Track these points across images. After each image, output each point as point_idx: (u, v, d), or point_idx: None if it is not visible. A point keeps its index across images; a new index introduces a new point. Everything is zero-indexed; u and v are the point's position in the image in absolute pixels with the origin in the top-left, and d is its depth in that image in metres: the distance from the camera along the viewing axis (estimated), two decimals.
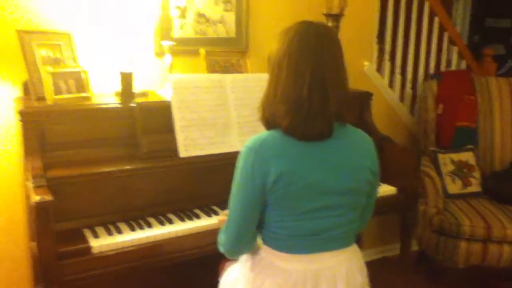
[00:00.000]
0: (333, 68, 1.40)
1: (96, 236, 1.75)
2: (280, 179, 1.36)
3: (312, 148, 1.41)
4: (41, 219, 1.54)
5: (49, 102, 1.90)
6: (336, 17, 2.60)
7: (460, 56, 3.66)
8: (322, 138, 1.42)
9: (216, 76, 2.17)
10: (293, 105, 1.39)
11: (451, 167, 3.06)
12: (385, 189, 2.35)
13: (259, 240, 1.55)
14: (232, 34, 2.64)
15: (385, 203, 2.25)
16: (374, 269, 1.75)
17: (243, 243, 1.51)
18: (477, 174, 3.08)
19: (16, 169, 2.15)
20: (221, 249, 1.54)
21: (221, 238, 1.53)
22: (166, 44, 2.29)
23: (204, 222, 1.91)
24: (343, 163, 1.44)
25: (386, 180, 2.35)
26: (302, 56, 1.38)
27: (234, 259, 1.70)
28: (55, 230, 1.61)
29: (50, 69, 1.91)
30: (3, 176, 2.15)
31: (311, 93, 1.37)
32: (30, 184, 1.67)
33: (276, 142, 1.41)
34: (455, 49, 3.64)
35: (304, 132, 1.39)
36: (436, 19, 3.47)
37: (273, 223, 1.45)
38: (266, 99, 1.47)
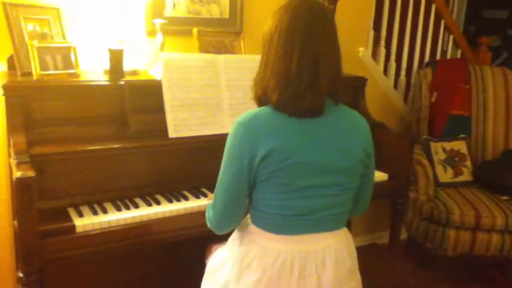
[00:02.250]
0: (326, 44, 1.38)
1: (80, 215, 1.72)
2: (270, 156, 1.34)
3: (303, 125, 1.39)
4: (23, 195, 1.51)
5: (35, 77, 1.85)
6: (333, 1, 2.56)
7: (456, 45, 3.64)
8: (313, 114, 1.39)
9: (208, 56, 2.13)
10: (282, 80, 1.37)
11: (443, 156, 3.05)
12: (377, 175, 2.32)
13: (248, 220, 1.53)
14: (226, 14, 2.60)
15: (376, 189, 2.22)
16: (364, 254, 1.74)
17: (230, 219, 1.49)
18: (468, 163, 3.08)
19: (0, 146, 2.10)
20: (208, 224, 1.53)
21: (209, 214, 1.52)
22: (159, 22, 2.24)
23: (192, 204, 1.89)
24: (335, 142, 1.41)
25: (377, 166, 2.32)
26: (292, 30, 1.37)
27: (222, 241, 1.68)
28: (39, 208, 1.57)
29: (36, 43, 1.86)
30: None
31: (302, 67, 1.36)
32: (12, 161, 1.63)
33: (267, 118, 1.38)
34: (451, 38, 3.61)
35: (294, 107, 1.37)
36: (433, 6, 3.44)
37: (262, 202, 1.43)
38: (258, 76, 1.46)
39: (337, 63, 1.43)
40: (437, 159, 3.04)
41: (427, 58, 3.55)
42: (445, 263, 3.00)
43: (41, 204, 1.64)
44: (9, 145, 1.81)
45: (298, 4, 1.40)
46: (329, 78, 1.38)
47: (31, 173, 1.53)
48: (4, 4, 1.91)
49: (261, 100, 1.45)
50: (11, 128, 1.72)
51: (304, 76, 1.35)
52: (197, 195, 1.96)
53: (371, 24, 3.21)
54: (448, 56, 3.68)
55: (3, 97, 1.77)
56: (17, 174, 1.52)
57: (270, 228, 1.44)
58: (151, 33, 2.35)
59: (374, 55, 3.30)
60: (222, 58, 2.13)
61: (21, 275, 1.59)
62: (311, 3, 1.41)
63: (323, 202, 1.42)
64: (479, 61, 3.55)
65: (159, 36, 2.24)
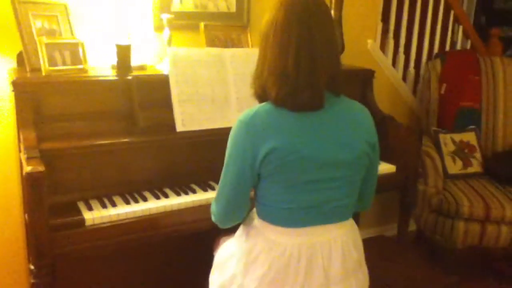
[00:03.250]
0: (322, 38, 1.37)
1: (90, 209, 1.74)
2: (273, 153, 1.35)
3: (305, 119, 1.39)
4: (33, 190, 1.53)
5: (43, 73, 1.87)
6: None
7: (466, 36, 3.60)
8: (313, 108, 1.39)
9: (215, 51, 2.14)
10: (280, 76, 1.37)
11: (452, 147, 3.03)
12: (385, 167, 2.33)
13: (254, 214, 1.54)
14: (233, 9, 2.60)
15: (384, 181, 2.23)
16: (371, 247, 1.74)
17: (234, 214, 1.51)
18: (478, 154, 3.06)
19: (11, 141, 2.13)
20: (213, 218, 1.54)
21: (213, 208, 1.53)
22: (166, 17, 2.24)
23: (200, 197, 1.90)
24: (337, 135, 1.41)
25: (386, 159, 2.33)
26: (287, 25, 1.37)
27: (230, 234, 1.70)
28: (49, 203, 1.60)
29: (45, 39, 1.88)
30: None
31: (298, 63, 1.35)
32: (23, 156, 1.66)
33: (268, 115, 1.38)
34: (460, 29, 3.58)
35: (294, 102, 1.37)
36: None
37: (267, 196, 1.43)
38: (255, 73, 1.47)
39: (335, 57, 1.43)
40: (446, 151, 3.02)
41: (436, 49, 3.52)
42: (454, 255, 2.99)
43: (51, 198, 1.67)
44: (19, 140, 1.84)
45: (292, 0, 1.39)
46: (327, 72, 1.38)
47: (41, 168, 1.55)
48: (13, 2, 1.93)
49: (260, 97, 1.46)
50: (21, 123, 1.75)
51: (301, 72, 1.35)
52: (205, 188, 1.98)
53: (380, 16, 3.19)
54: (458, 47, 3.64)
55: (13, 93, 1.79)
56: (27, 169, 1.54)
57: (276, 221, 1.45)
58: (158, 28, 2.36)
59: (383, 47, 3.28)
60: (228, 52, 2.14)
61: (32, 267, 1.62)
62: None
63: (328, 195, 1.43)
64: (490, 52, 3.51)
65: (166, 31, 2.24)
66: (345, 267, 1.47)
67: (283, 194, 1.40)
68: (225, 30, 2.44)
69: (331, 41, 1.41)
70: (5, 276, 2.27)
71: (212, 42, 2.36)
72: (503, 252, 3.02)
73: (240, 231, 1.60)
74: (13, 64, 2.07)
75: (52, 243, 1.60)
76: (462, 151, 3.04)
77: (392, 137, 2.42)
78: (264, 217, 1.48)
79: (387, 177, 2.31)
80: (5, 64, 2.08)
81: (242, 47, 2.44)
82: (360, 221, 2.90)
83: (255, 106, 1.43)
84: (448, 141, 3.04)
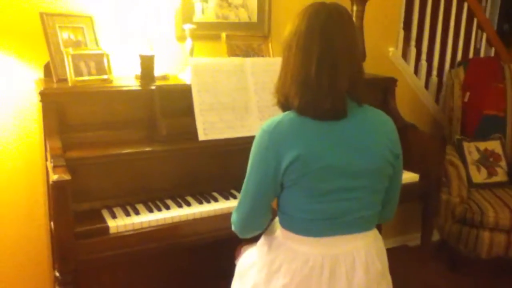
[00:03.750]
0: (344, 47, 1.38)
1: (114, 216, 1.76)
2: (296, 162, 1.35)
3: (328, 128, 1.39)
4: (59, 198, 1.56)
5: (70, 84, 1.91)
6: (362, 1, 2.55)
7: (489, 43, 3.56)
8: (336, 116, 1.39)
9: (236, 60, 2.16)
10: (302, 84, 1.38)
11: (476, 156, 2.99)
12: (407, 176, 2.30)
13: (277, 224, 1.54)
14: (254, 18, 2.62)
15: (407, 190, 2.21)
16: (394, 257, 1.72)
17: (254, 224, 1.51)
18: (503, 163, 3.00)
19: (37, 150, 2.18)
20: (233, 227, 1.54)
21: (233, 217, 1.53)
22: (188, 28, 2.28)
23: (222, 205, 1.91)
24: (361, 144, 1.41)
25: (409, 168, 2.31)
26: (310, 34, 1.38)
27: (252, 243, 1.70)
28: (74, 210, 1.63)
29: (71, 51, 1.92)
30: (26, 157, 2.19)
31: (320, 70, 1.36)
32: (49, 164, 1.69)
33: (291, 123, 1.39)
34: (484, 36, 3.53)
35: (316, 110, 1.38)
36: (465, 4, 3.37)
37: (290, 206, 1.43)
38: (278, 82, 1.47)
39: (357, 65, 1.43)
40: (470, 159, 2.97)
41: (459, 57, 3.48)
42: (478, 266, 2.93)
43: (75, 206, 1.70)
44: (45, 149, 1.88)
45: (315, 8, 1.41)
46: (349, 80, 1.39)
47: (66, 177, 1.58)
48: (41, 14, 1.99)
49: (283, 106, 1.46)
50: (48, 133, 1.79)
51: (323, 80, 1.36)
52: (227, 196, 1.98)
53: (401, 24, 3.18)
54: (482, 54, 3.59)
55: (40, 103, 1.84)
56: (54, 177, 1.57)
57: (299, 230, 1.44)
58: (181, 38, 2.40)
59: (405, 55, 3.26)
60: (249, 61, 2.15)
61: (57, 274, 1.64)
62: (328, 7, 1.41)
63: (351, 204, 1.42)
64: None
65: (189, 41, 2.27)
66: (368, 277, 1.45)
67: (306, 203, 1.40)
68: (246, 39, 2.46)
69: (353, 49, 1.42)
70: (30, 283, 2.31)
71: (233, 51, 2.38)
72: None
73: (262, 241, 1.60)
74: (40, 74, 2.12)
75: (77, 250, 1.62)
76: (487, 160, 2.99)
77: (415, 145, 2.40)
78: (287, 226, 1.47)
79: (410, 186, 2.29)
80: (33, 75, 2.13)
81: (263, 56, 2.45)
82: (383, 230, 2.87)
83: (279, 115, 1.43)
84: (472, 149, 3.00)
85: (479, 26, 3.49)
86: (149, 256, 1.86)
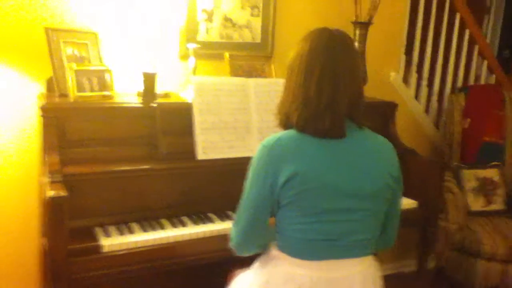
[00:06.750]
0: (345, 69, 1.41)
1: (107, 235, 1.75)
2: (293, 178, 1.35)
3: (328, 147, 1.40)
4: (55, 214, 1.55)
5: (71, 99, 1.92)
6: (365, 26, 2.57)
7: (490, 70, 3.58)
8: (334, 135, 1.41)
9: (239, 80, 2.17)
10: (302, 100, 1.41)
11: (474, 184, 2.98)
12: (406, 202, 2.29)
13: (273, 246, 1.53)
14: (258, 39, 2.64)
15: (405, 216, 2.19)
16: (390, 284, 1.70)
17: (252, 241, 1.49)
18: (501, 191, 3.00)
19: (33, 164, 2.18)
20: (230, 243, 1.52)
21: (232, 232, 1.52)
22: (192, 47, 2.29)
23: (217, 227, 1.90)
24: (360, 165, 1.42)
25: (407, 193, 2.29)
26: (312, 56, 1.41)
27: (243, 268, 1.68)
28: (67, 227, 1.61)
29: (74, 66, 1.93)
30: (21, 171, 2.18)
31: (321, 90, 1.39)
32: (46, 179, 1.69)
33: (290, 141, 1.40)
34: (485, 63, 3.56)
35: (315, 127, 1.40)
36: (467, 31, 3.40)
37: (287, 226, 1.43)
38: (280, 103, 1.50)
39: (357, 87, 1.45)
40: (468, 186, 2.97)
41: (459, 83, 3.50)
42: None
43: (69, 223, 1.66)
44: (43, 163, 1.87)
45: (319, 32, 1.45)
46: (349, 101, 1.41)
47: (63, 193, 1.57)
48: (46, 29, 2.00)
49: (285, 124, 1.48)
50: (47, 148, 1.78)
51: (323, 97, 1.39)
52: (223, 218, 1.97)
53: (403, 49, 3.20)
54: (482, 81, 3.61)
55: (41, 118, 1.84)
56: (50, 193, 1.56)
57: (296, 253, 1.44)
58: (184, 56, 2.41)
59: (406, 79, 3.27)
60: (252, 81, 2.16)
61: None
62: (331, 32, 1.45)
63: (348, 227, 1.41)
64: None
65: (192, 60, 2.29)
66: None
67: (302, 223, 1.40)
68: (249, 60, 2.47)
69: (354, 71, 1.44)
70: None
71: (236, 71, 2.39)
72: None
73: (257, 263, 1.59)
74: (43, 89, 2.12)
75: (69, 268, 1.60)
76: (485, 188, 2.99)
77: (413, 171, 2.39)
78: (283, 248, 1.47)
79: (408, 212, 2.28)
80: (35, 89, 2.13)
81: (265, 77, 2.46)
82: (378, 256, 2.85)
83: (279, 132, 1.45)
84: (470, 177, 2.99)
85: (480, 53, 3.51)
86: (142, 278, 1.83)
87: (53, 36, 2.00)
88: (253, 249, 1.53)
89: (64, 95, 1.97)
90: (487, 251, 2.61)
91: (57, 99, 1.95)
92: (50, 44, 1.99)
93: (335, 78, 1.39)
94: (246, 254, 1.54)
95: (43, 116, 1.81)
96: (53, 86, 2.00)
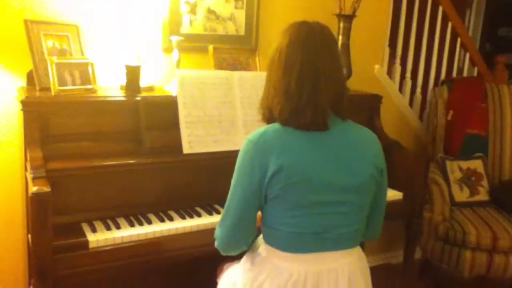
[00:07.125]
0: (326, 61, 1.41)
1: (94, 230, 1.72)
2: (280, 172, 1.35)
3: (312, 140, 1.40)
4: (38, 210, 1.52)
5: (52, 93, 1.88)
6: (348, 18, 2.57)
7: (472, 63, 3.61)
8: (317, 128, 1.40)
9: (223, 73, 2.15)
10: (284, 94, 1.40)
11: (459, 175, 3.01)
12: (391, 194, 2.31)
13: (260, 240, 1.52)
14: (242, 32, 2.62)
15: (390, 208, 2.20)
16: (377, 275, 1.71)
17: (238, 239, 1.48)
18: (485, 182, 3.03)
19: (17, 160, 2.13)
20: (216, 243, 1.51)
21: (217, 232, 1.51)
22: (175, 39, 2.26)
23: (205, 221, 1.88)
24: (345, 157, 1.42)
25: (392, 185, 2.31)
26: (291, 49, 1.41)
27: (234, 260, 1.67)
28: (52, 223, 1.58)
29: (55, 59, 1.89)
30: (4, 167, 2.13)
31: (301, 83, 1.39)
32: (29, 175, 1.65)
33: (276, 133, 1.40)
34: (467, 56, 3.59)
35: (298, 120, 1.40)
36: (449, 24, 3.43)
37: (274, 220, 1.42)
38: (262, 97, 1.51)
39: (339, 80, 1.45)
40: (453, 178, 3.00)
41: (443, 75, 3.53)
42: (461, 285, 2.94)
43: (55, 219, 1.64)
44: (25, 159, 1.83)
45: (298, 26, 1.45)
46: (331, 94, 1.41)
47: (46, 189, 1.54)
48: (26, 22, 1.95)
49: (268, 118, 1.48)
50: (29, 143, 1.74)
51: (303, 91, 1.38)
52: (210, 212, 1.96)
53: (387, 41, 3.21)
54: (465, 73, 3.65)
55: (21, 112, 1.79)
56: (33, 189, 1.53)
57: (283, 246, 1.43)
58: (167, 49, 2.38)
59: (390, 72, 3.28)
60: (236, 74, 2.14)
61: None
62: (310, 25, 1.45)
63: (335, 219, 1.41)
64: (496, 79, 3.52)
65: (175, 53, 2.26)
66: None
67: (289, 217, 1.39)
68: (233, 53, 2.45)
69: (335, 63, 1.44)
70: None
71: (220, 64, 2.37)
72: (511, 283, 2.96)
73: (245, 258, 1.58)
74: (23, 82, 2.07)
75: (55, 264, 1.57)
76: (469, 179, 3.02)
77: (398, 163, 2.40)
78: (271, 242, 1.46)
79: (394, 204, 2.29)
80: (15, 83, 2.08)
81: (250, 70, 2.45)
82: (365, 247, 2.87)
83: (264, 126, 1.44)
84: (455, 168, 3.02)
85: (462, 46, 3.55)
86: (129, 273, 1.81)
87: (33, 29, 1.95)
88: (239, 248, 1.52)
89: (45, 88, 1.92)
90: (472, 241, 2.63)
91: (38, 93, 1.90)
92: (29, 36, 1.94)
93: (315, 72, 1.39)
94: (232, 253, 1.53)
95: (23, 110, 1.77)
96: (34, 79, 1.95)
